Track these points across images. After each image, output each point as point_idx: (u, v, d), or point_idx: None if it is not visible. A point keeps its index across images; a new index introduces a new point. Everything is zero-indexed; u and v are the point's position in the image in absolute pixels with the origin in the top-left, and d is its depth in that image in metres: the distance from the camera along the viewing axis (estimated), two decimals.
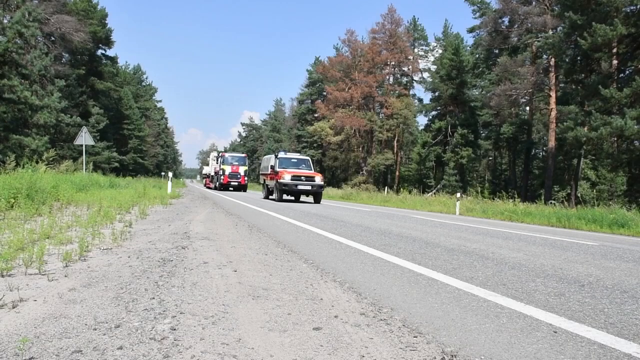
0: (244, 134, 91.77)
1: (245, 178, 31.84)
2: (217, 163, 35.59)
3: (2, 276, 3.12)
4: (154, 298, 2.66)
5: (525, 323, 2.43)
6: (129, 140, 51.32)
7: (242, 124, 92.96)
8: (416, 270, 3.81)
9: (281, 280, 3.27)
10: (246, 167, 32.38)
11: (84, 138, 16.86)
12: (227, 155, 33.10)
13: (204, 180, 49.86)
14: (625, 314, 2.69)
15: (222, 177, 31.02)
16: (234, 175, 31.12)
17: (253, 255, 4.34)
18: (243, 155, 34.55)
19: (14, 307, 2.42)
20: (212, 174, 38.13)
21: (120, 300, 2.59)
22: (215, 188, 33.90)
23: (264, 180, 20.32)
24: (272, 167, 18.21)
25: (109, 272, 3.36)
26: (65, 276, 3.19)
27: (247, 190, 33.13)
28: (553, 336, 2.23)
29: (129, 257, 3.99)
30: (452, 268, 3.98)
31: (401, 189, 32.66)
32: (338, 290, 3.04)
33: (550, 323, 2.43)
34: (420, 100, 52.18)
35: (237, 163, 32.01)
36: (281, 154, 19.07)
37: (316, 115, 50.75)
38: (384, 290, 3.11)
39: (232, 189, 31.90)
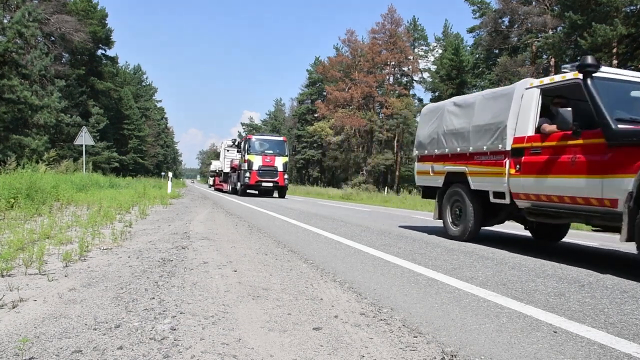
0: (244, 134, 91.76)
1: (286, 176, 20.45)
2: (236, 153, 24.90)
3: (2, 276, 3.12)
4: (154, 298, 2.66)
5: (525, 323, 2.43)
6: (129, 140, 51.36)
7: (242, 124, 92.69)
8: (416, 270, 3.81)
9: (281, 280, 3.27)
10: (286, 158, 20.62)
11: (84, 138, 16.86)
12: (255, 138, 20.99)
13: (212, 180, 37.91)
14: (625, 314, 2.69)
15: (247, 175, 19.69)
16: (267, 170, 19.75)
17: (253, 255, 4.34)
18: (281, 138, 21.68)
19: (14, 307, 2.42)
20: (227, 170, 26.73)
21: (120, 300, 2.59)
22: (235, 191, 22.58)
23: (444, 171, 6.62)
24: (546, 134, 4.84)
25: (109, 272, 3.36)
26: (65, 276, 3.19)
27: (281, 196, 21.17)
28: (553, 336, 2.23)
29: (129, 257, 3.99)
30: (452, 268, 3.98)
31: (401, 189, 32.65)
32: (338, 290, 3.04)
33: (550, 323, 2.43)
34: (420, 100, 52.20)
35: (272, 151, 20.25)
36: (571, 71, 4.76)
37: (316, 115, 50.78)
38: (384, 290, 3.11)
39: (258, 192, 21.49)
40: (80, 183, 12.47)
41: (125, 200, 9.63)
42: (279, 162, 20.06)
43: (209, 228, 6.59)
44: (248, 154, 19.98)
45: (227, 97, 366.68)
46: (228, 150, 27.71)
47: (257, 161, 19.73)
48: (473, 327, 2.34)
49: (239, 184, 21.24)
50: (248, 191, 21.30)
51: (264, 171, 19.72)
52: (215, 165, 36.06)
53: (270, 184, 19.96)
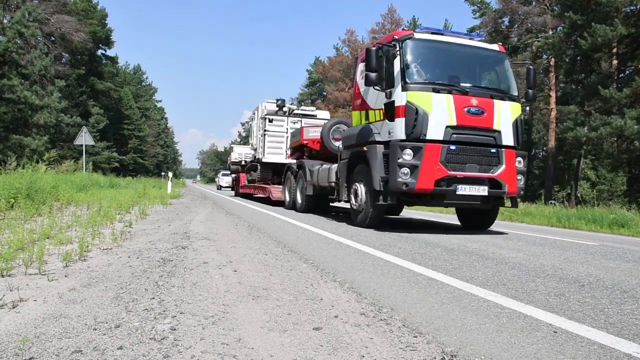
0: (244, 134, 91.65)
1: (521, 162, 6.79)
2: (289, 123, 14.71)
3: (2, 276, 3.12)
4: (154, 298, 2.66)
5: (525, 323, 2.43)
6: (129, 140, 51.33)
7: (242, 124, 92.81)
8: (416, 270, 3.81)
9: (281, 280, 3.27)
10: (519, 109, 6.89)
11: (84, 138, 16.88)
12: (422, 40, 6.76)
13: (231, 179, 24.93)
14: (625, 314, 2.69)
15: (405, 157, 6.15)
16: (477, 143, 6.44)
17: (253, 255, 4.34)
18: (494, 47, 7.31)
19: (14, 307, 2.42)
20: (271, 158, 14.77)
21: (120, 300, 2.59)
22: (322, 204, 10.47)
23: None
24: None
25: (109, 272, 3.36)
26: (65, 276, 3.19)
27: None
28: (553, 336, 2.23)
29: (129, 257, 3.99)
30: (452, 268, 3.98)
31: None
32: (338, 290, 3.03)
33: (550, 323, 2.43)
34: None
35: (480, 89, 6.76)
36: None
37: None
38: (384, 290, 3.11)
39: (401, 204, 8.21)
40: (80, 183, 12.48)
41: (125, 200, 9.63)
42: (505, 117, 6.75)
43: (209, 228, 6.59)
44: (406, 87, 6.41)
45: (227, 97, 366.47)
46: (271, 121, 14.53)
47: (439, 111, 6.37)
48: (473, 327, 2.34)
49: (362, 189, 7.21)
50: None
51: (468, 146, 6.49)
52: (238, 152, 20.93)
53: (483, 192, 6.50)
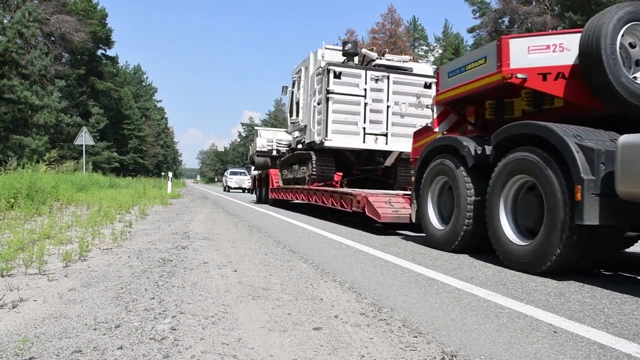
0: (244, 134, 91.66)
1: None
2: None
3: (2, 276, 3.12)
4: (154, 298, 2.66)
5: (525, 323, 2.43)
6: (129, 140, 51.32)
7: (242, 124, 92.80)
8: (416, 270, 3.81)
9: (281, 280, 3.27)
10: None
11: (84, 138, 16.89)
12: None
13: (255, 177, 16.82)
14: (625, 314, 2.69)
15: None
16: None
17: (253, 255, 4.34)
18: None
19: (14, 307, 2.42)
20: (360, 143, 8.58)
21: (120, 300, 2.60)
22: None
23: None
24: None
25: (109, 272, 3.36)
26: (65, 276, 3.19)
27: None
28: (553, 336, 2.23)
29: (129, 257, 4.00)
30: (452, 268, 3.98)
31: None
32: (338, 290, 3.04)
33: (550, 323, 2.43)
34: None
35: None
36: None
37: None
38: (384, 290, 3.11)
39: None
40: (80, 183, 12.50)
41: (125, 200, 9.64)
42: None
43: (209, 228, 6.59)
44: None
45: (227, 97, 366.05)
46: (338, 77, 8.45)
47: None
48: (473, 327, 2.34)
49: None
50: None
51: None
52: (268, 138, 15.07)
53: None
